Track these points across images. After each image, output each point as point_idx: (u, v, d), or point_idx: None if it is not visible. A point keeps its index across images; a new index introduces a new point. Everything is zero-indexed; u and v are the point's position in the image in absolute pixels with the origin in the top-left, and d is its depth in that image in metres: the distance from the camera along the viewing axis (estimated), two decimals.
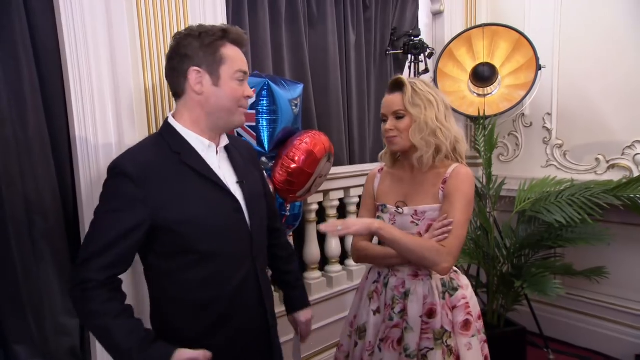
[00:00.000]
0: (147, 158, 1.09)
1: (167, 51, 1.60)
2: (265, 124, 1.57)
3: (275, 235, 1.41)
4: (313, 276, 2.28)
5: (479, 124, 2.47)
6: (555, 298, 2.02)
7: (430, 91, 1.35)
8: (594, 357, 2.63)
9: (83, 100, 1.47)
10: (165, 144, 1.12)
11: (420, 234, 1.34)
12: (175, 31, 1.62)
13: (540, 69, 2.54)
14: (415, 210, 1.36)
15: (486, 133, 2.38)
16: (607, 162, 2.59)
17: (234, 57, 1.13)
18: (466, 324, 1.35)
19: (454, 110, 2.72)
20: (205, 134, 1.15)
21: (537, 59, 2.53)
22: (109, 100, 1.50)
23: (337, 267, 2.39)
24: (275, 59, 2.21)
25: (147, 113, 1.59)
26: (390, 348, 1.36)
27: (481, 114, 2.51)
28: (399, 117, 1.35)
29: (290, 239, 2.17)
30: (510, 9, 2.89)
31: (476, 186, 2.43)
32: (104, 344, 1.06)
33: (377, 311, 1.43)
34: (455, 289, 1.38)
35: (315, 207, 2.24)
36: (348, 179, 2.35)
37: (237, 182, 1.19)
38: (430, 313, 1.34)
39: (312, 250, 2.27)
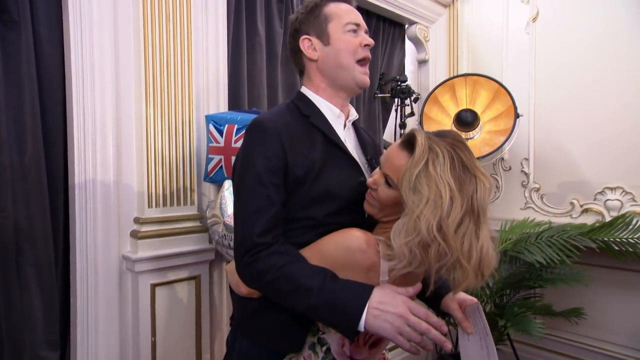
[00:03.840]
0: (283, 119, 1.05)
1: (168, 87, 1.65)
2: None
3: None
4: None
5: None
6: (539, 338, 2.02)
7: (450, 181, 0.85)
8: None
9: (85, 131, 1.47)
10: (295, 108, 1.10)
11: None
12: (179, 68, 1.67)
13: (518, 117, 2.66)
14: None
15: None
16: (581, 206, 2.67)
17: (339, 12, 1.11)
18: None
19: None
20: (334, 103, 1.12)
21: (515, 107, 2.65)
22: (110, 131, 1.51)
23: None
24: (270, 96, 2.26)
25: (146, 146, 1.59)
26: None
27: None
28: (387, 182, 0.95)
29: None
30: (489, 60, 3.05)
31: None
32: (289, 293, 0.91)
33: None
34: None
35: None
36: None
37: (366, 159, 1.15)
38: None
39: None
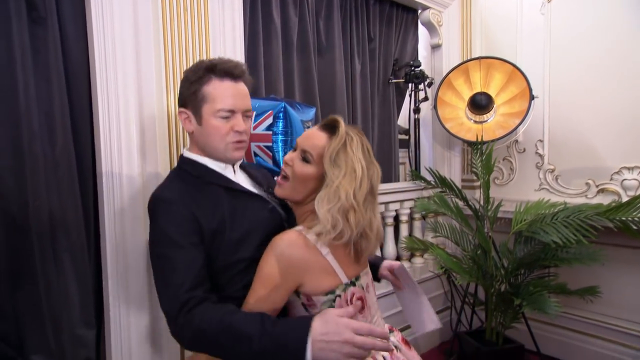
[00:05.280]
0: (179, 186, 1.08)
1: None
2: (280, 144, 1.59)
3: None
4: None
5: (476, 149, 2.51)
6: (555, 316, 2.01)
7: (362, 161, 1.00)
8: None
9: (110, 121, 1.50)
10: (185, 173, 1.11)
11: None
12: (197, 58, 1.68)
13: (533, 98, 2.59)
14: None
15: (484, 157, 2.41)
16: (597, 186, 2.61)
17: (215, 96, 1.06)
18: None
19: (453, 135, 2.76)
20: (216, 159, 1.13)
21: (530, 89, 2.58)
22: (134, 121, 1.52)
23: None
24: (286, 84, 2.26)
25: (168, 134, 1.61)
26: None
27: (479, 140, 2.55)
28: (304, 158, 1.04)
29: None
30: (503, 43, 2.97)
31: (474, 207, 2.46)
32: (231, 345, 0.89)
33: None
34: None
35: None
36: None
37: (265, 191, 1.18)
38: None
39: None
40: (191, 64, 1.65)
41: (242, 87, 1.11)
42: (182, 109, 1.11)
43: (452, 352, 2.70)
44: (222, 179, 1.11)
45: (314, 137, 1.04)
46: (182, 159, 1.16)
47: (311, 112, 1.72)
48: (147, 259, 1.61)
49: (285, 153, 1.62)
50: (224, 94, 1.07)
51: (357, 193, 0.97)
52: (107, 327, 1.57)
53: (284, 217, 1.17)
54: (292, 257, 0.96)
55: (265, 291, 0.96)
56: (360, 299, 1.05)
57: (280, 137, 1.58)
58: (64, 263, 1.58)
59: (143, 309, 1.59)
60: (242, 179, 1.18)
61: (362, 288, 1.07)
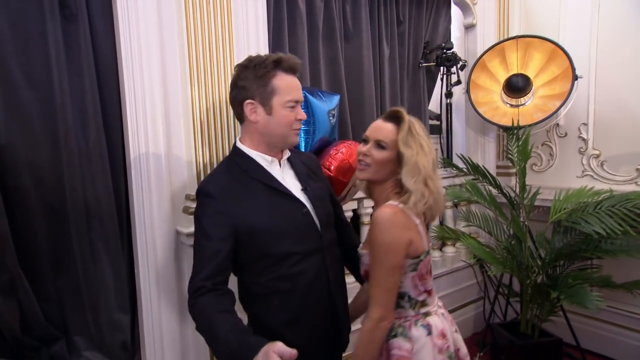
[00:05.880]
0: (223, 181, 1.20)
1: (211, 69, 1.66)
2: (302, 133, 1.56)
3: (347, 233, 1.47)
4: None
5: (512, 134, 2.36)
6: (596, 311, 1.88)
7: (425, 139, 1.22)
8: None
9: (137, 115, 1.52)
10: (235, 164, 1.23)
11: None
12: (220, 50, 1.67)
13: (576, 79, 2.40)
14: (361, 254, 1.29)
15: (520, 143, 2.27)
16: None
17: (285, 88, 1.18)
18: None
19: (487, 120, 2.63)
20: (266, 152, 1.23)
21: (574, 69, 2.39)
22: (160, 115, 1.54)
23: None
24: (312, 72, 2.21)
25: (192, 125, 1.62)
26: None
27: (515, 125, 2.40)
28: (380, 146, 1.23)
29: None
30: (544, 20, 2.76)
31: (509, 195, 2.33)
32: (207, 337, 1.09)
33: None
34: (394, 336, 1.22)
35: (350, 214, 2.21)
36: None
37: (302, 190, 1.25)
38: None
39: None
40: (214, 55, 1.65)
41: (298, 81, 1.25)
42: (250, 101, 1.18)
43: (485, 343, 2.62)
44: (267, 177, 1.21)
45: (383, 129, 1.23)
46: (235, 150, 1.26)
47: (335, 100, 1.68)
48: (176, 248, 1.65)
49: (307, 143, 1.59)
50: (291, 86, 1.20)
51: (429, 164, 1.19)
52: (139, 312, 1.63)
53: (316, 222, 1.25)
54: (400, 219, 1.16)
55: (395, 257, 1.15)
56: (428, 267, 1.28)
57: (302, 127, 1.55)
58: (100, 251, 1.64)
59: (172, 296, 1.63)
60: (288, 174, 1.28)
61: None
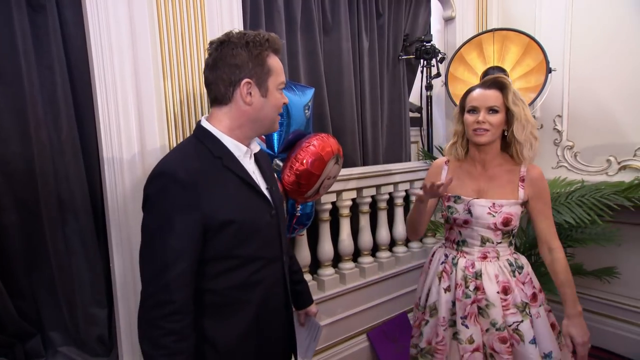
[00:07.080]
0: (194, 167, 1.00)
1: (184, 60, 1.62)
2: None
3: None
4: (327, 273, 2.25)
5: None
6: None
7: (522, 97, 1.43)
8: (606, 357, 2.51)
9: (109, 107, 1.48)
10: (206, 149, 1.05)
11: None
12: (194, 41, 1.64)
13: (550, 71, 2.43)
14: (493, 203, 1.42)
15: None
16: (619, 163, 2.46)
17: (278, 69, 1.09)
18: (534, 296, 1.45)
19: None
20: (242, 140, 1.09)
21: (547, 62, 2.42)
22: (132, 107, 1.51)
23: (349, 265, 2.36)
24: (290, 65, 2.19)
25: (166, 118, 1.59)
26: (475, 323, 1.42)
27: None
28: (493, 111, 1.40)
29: (304, 238, 2.15)
30: (521, 13, 2.78)
31: None
32: None
33: (447, 289, 1.48)
34: (521, 267, 1.46)
35: (328, 206, 2.21)
36: (361, 179, 2.31)
37: (267, 189, 1.15)
38: (505, 290, 1.41)
39: (326, 248, 2.24)
40: (187, 45, 1.62)
41: None
42: (248, 80, 1.04)
43: None
44: (241, 170, 1.07)
45: (492, 96, 1.40)
46: (204, 132, 1.07)
47: (309, 93, 1.66)
48: None
49: (280, 137, 1.58)
50: (282, 68, 1.11)
51: (531, 116, 1.41)
52: (116, 306, 1.62)
53: (280, 225, 1.16)
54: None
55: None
56: None
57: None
58: (75, 245, 1.62)
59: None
60: (257, 170, 1.16)
61: None
